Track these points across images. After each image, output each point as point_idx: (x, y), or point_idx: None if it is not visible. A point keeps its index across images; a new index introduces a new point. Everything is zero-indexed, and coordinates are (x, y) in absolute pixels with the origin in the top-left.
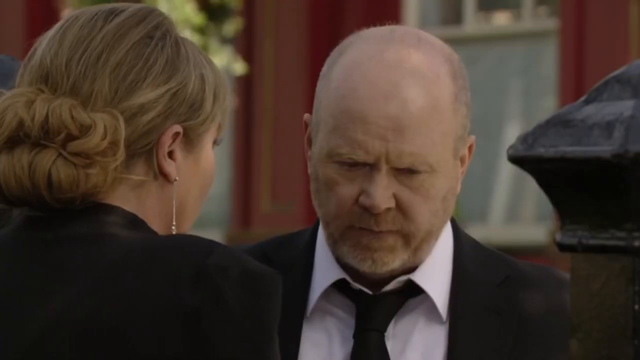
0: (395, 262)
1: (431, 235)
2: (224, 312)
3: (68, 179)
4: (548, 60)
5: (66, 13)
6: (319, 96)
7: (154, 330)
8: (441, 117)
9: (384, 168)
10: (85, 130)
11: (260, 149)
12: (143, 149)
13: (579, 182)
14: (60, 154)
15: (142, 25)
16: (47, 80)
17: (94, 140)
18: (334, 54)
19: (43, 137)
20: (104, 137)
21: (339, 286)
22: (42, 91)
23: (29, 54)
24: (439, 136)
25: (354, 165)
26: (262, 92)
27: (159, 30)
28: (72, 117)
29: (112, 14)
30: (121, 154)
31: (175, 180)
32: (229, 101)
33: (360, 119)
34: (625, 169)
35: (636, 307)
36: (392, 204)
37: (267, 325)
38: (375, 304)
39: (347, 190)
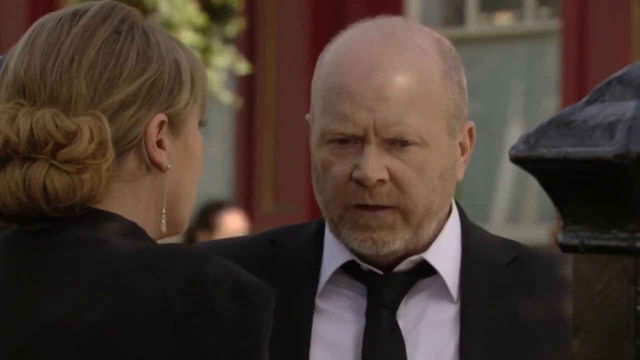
0: (397, 242)
1: (431, 213)
2: (213, 321)
3: (64, 188)
4: (550, 61)
5: None
6: (312, 88)
7: (144, 338)
8: (428, 89)
9: (374, 140)
10: (71, 136)
11: (262, 149)
12: (131, 144)
13: (580, 182)
14: (51, 164)
15: (108, 22)
16: (24, 93)
17: (82, 145)
18: (324, 49)
19: (31, 150)
20: (91, 140)
21: (349, 269)
22: (22, 105)
23: (2, 69)
24: (427, 108)
25: (345, 141)
26: (264, 92)
27: (125, 23)
28: (57, 125)
29: (76, 16)
30: (111, 153)
31: (168, 168)
32: (207, 81)
33: (346, 92)
34: (627, 169)
35: (638, 307)
36: (384, 175)
37: (256, 338)
38: (387, 282)
39: (341, 168)
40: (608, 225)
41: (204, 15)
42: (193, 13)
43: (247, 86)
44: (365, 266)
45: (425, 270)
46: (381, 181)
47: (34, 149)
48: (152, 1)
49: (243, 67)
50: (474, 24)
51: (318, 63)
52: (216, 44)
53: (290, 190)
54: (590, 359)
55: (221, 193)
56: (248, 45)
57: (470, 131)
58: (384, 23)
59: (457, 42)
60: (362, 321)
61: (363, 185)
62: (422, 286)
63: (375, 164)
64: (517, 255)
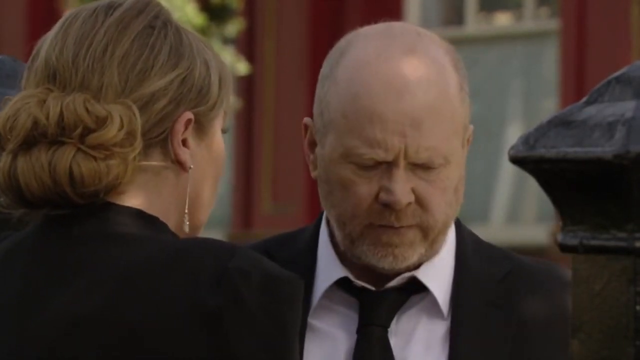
0: (414, 257)
1: (446, 227)
2: (244, 314)
3: (90, 173)
4: (549, 61)
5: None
6: (325, 98)
7: (174, 332)
8: (452, 106)
9: (402, 164)
10: (101, 122)
11: (261, 149)
12: (158, 138)
13: (580, 182)
14: (79, 149)
15: (142, 16)
16: (54, 79)
17: (112, 132)
18: (333, 54)
19: (59, 134)
20: (120, 128)
21: (341, 284)
22: (51, 90)
23: (32, 55)
24: (451, 127)
25: (372, 165)
26: (263, 93)
27: (159, 19)
28: (88, 110)
29: (111, 7)
30: (138, 143)
31: (190, 168)
32: (232, 89)
33: (377, 117)
34: (626, 169)
35: (637, 307)
36: (411, 198)
37: (287, 329)
38: (379, 300)
39: (365, 189)
40: (607, 225)
41: (203, 16)
42: (192, 13)
43: (246, 87)
44: (359, 283)
45: (417, 286)
46: (408, 204)
47: (63, 133)
48: None
49: (242, 68)
50: (473, 24)
51: (328, 73)
52: (215, 44)
53: (289, 190)
54: (590, 359)
55: (220, 193)
56: (247, 46)
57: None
58: (399, 35)
59: (457, 42)
60: (354, 339)
61: (390, 208)
62: (414, 302)
63: (404, 188)
64: (510, 269)
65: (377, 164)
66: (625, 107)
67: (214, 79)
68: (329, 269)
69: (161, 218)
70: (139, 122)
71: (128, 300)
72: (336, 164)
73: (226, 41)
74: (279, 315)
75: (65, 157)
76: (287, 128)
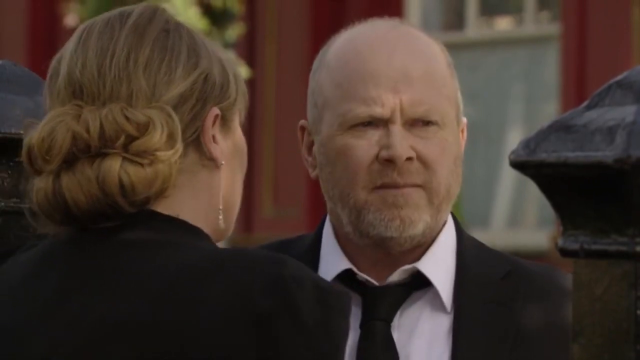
0: (420, 223)
1: (449, 196)
2: (297, 320)
3: (140, 180)
4: (550, 65)
5: (69, 19)
6: (317, 86)
7: (220, 333)
8: (442, 73)
9: (399, 121)
10: (143, 128)
11: (262, 153)
12: (191, 138)
13: (580, 187)
14: (124, 158)
15: (155, 21)
16: (81, 94)
17: (155, 136)
18: (321, 52)
19: (102, 146)
20: (162, 132)
21: (345, 279)
22: (80, 106)
23: (50, 75)
24: (444, 92)
25: (369, 124)
26: (264, 97)
27: (170, 23)
28: (127, 118)
29: (123, 16)
30: (179, 145)
31: (222, 164)
32: (244, 85)
33: (370, 75)
34: (627, 174)
35: (638, 312)
36: (412, 153)
37: (336, 341)
38: (382, 294)
39: (365, 150)
40: (608, 229)
41: (205, 20)
42: (194, 17)
43: (247, 91)
44: (362, 276)
45: (420, 282)
46: (409, 159)
47: (105, 145)
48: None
49: (243, 72)
50: (474, 28)
51: (317, 66)
52: None
53: (290, 194)
54: None
55: None
56: (248, 50)
57: (462, 129)
58: (383, 21)
59: (457, 46)
60: (357, 334)
61: (392, 164)
62: (416, 298)
63: (403, 143)
64: (510, 269)
65: (375, 123)
66: (626, 112)
67: (230, 76)
68: (332, 262)
69: (199, 218)
70: (177, 124)
71: (171, 304)
72: (335, 137)
73: (227, 45)
74: (331, 325)
75: (113, 168)
76: (288, 132)
